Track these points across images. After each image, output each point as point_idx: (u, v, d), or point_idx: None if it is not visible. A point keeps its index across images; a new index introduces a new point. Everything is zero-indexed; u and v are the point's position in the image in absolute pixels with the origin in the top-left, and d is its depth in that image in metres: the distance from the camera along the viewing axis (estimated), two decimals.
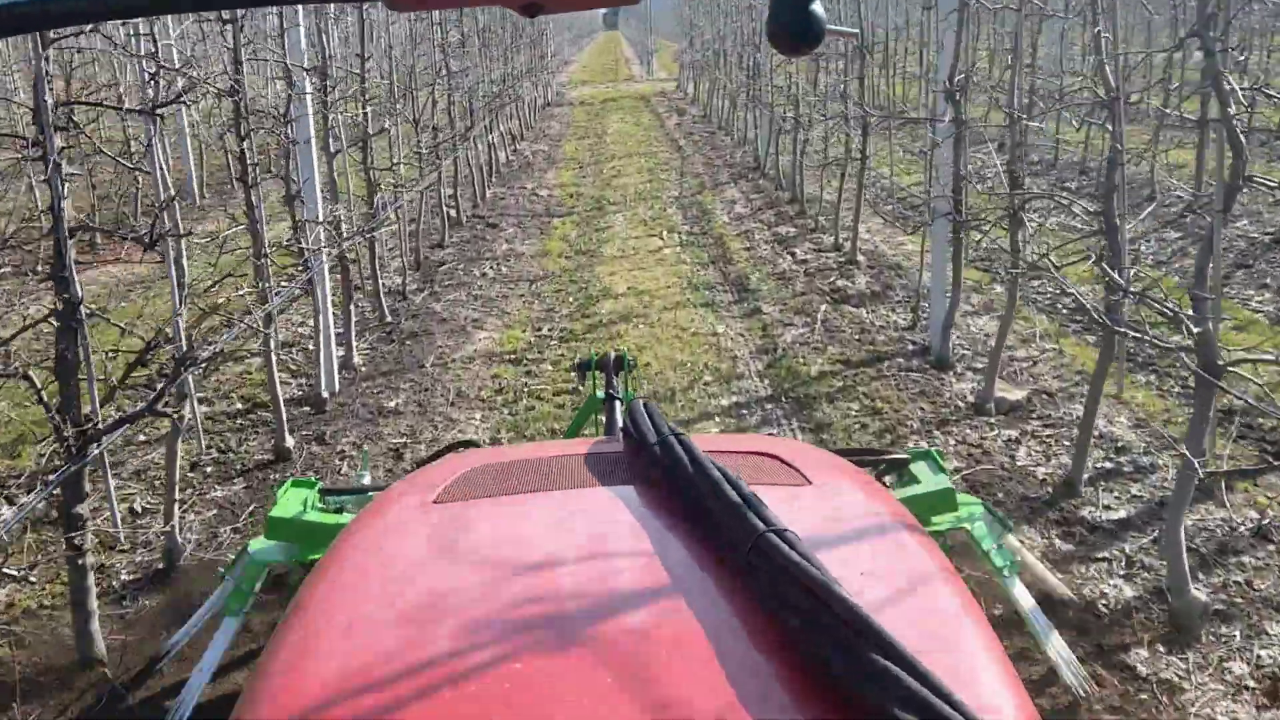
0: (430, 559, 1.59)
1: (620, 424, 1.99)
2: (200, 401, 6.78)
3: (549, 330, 8.31)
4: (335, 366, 6.92)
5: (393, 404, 6.75)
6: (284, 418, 5.89)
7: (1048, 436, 5.79)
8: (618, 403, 3.55)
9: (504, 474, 1.81)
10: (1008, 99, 5.96)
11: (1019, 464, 5.46)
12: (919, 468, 3.40)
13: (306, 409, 6.61)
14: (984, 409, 6.07)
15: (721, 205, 13.65)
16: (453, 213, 12.47)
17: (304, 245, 6.19)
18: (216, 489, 5.60)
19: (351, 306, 7.37)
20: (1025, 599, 3.47)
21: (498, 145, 16.95)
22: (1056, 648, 3.46)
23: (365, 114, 7.99)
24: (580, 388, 5.33)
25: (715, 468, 1.57)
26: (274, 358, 5.75)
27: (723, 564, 1.44)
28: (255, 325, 4.94)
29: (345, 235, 6.97)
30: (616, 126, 23.28)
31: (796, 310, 8.48)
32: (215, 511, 5.31)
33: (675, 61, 37.18)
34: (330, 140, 7.26)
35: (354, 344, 7.44)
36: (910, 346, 7.36)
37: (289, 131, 6.23)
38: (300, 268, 6.31)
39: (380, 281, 8.42)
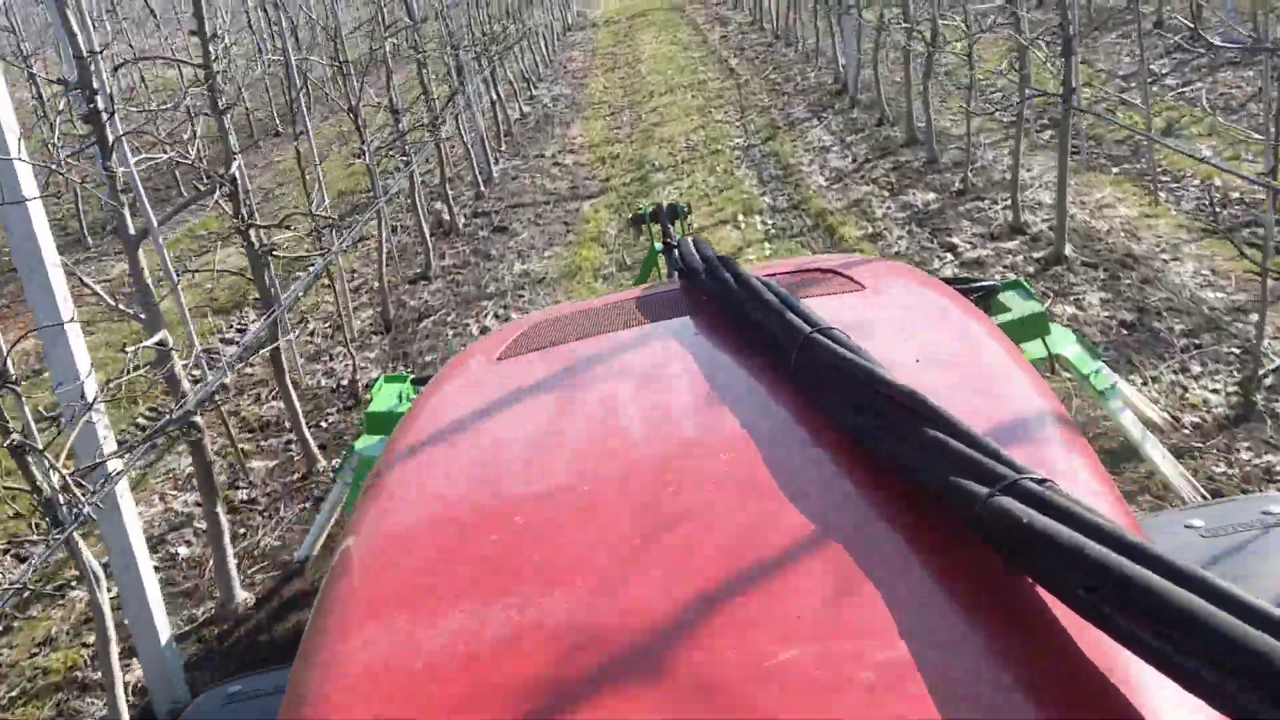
0: (496, 408, 1.68)
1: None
2: None
3: None
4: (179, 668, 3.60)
5: None
6: None
7: None
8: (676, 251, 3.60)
9: (563, 326, 1.93)
10: None
11: None
12: (1008, 296, 3.35)
13: None
14: None
15: (808, 155, 9.94)
16: (446, 214, 9.02)
17: (44, 489, 2.83)
18: None
19: (220, 510, 3.98)
20: (1129, 418, 3.55)
21: (505, 99, 13.32)
22: (1166, 460, 3.53)
23: (227, 137, 4.53)
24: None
25: (760, 281, 1.68)
26: None
27: (771, 371, 1.53)
28: None
29: (172, 412, 3.58)
30: (651, 49, 19.35)
31: None
32: None
33: None
34: (131, 215, 3.81)
35: (233, 573, 4.10)
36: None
37: None
38: (50, 533, 2.95)
39: (303, 411, 5.02)
